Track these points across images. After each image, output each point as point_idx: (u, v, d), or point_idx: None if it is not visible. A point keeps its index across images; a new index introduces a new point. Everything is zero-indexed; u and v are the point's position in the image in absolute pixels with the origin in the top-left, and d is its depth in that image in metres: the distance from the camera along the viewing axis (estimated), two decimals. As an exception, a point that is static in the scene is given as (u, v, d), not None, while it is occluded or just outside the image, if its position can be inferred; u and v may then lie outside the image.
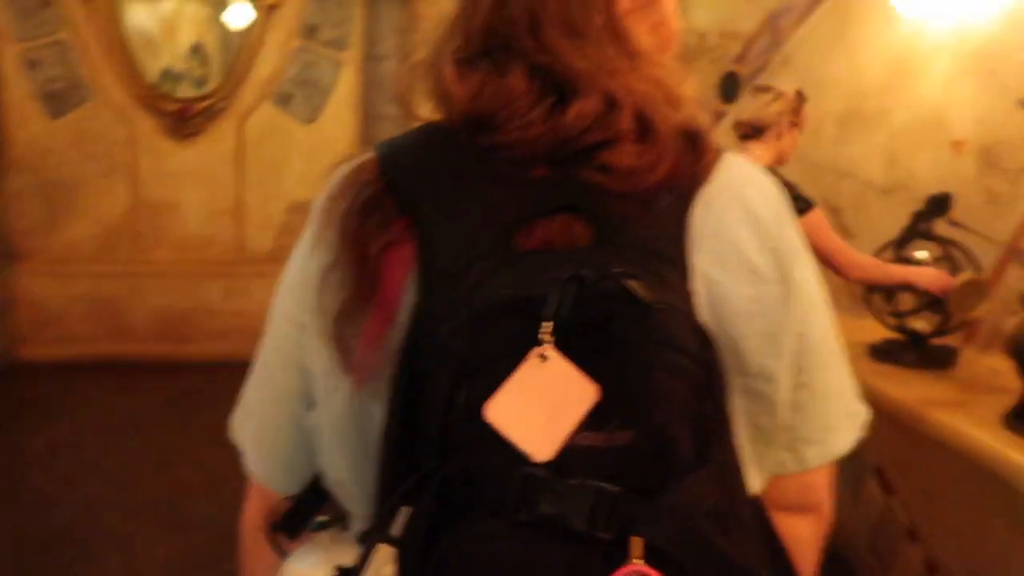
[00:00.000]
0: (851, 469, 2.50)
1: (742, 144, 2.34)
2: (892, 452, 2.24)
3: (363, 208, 0.65)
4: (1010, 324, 2.13)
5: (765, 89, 2.34)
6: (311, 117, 4.78)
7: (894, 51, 3.25)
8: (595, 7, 0.66)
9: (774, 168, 2.30)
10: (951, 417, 2.02)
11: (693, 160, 0.65)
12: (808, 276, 0.68)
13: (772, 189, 0.69)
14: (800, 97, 2.33)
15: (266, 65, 4.72)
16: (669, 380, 0.57)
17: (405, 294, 0.62)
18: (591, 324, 0.56)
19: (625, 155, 0.62)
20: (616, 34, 0.67)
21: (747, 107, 2.33)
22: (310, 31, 4.72)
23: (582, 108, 0.62)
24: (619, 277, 0.56)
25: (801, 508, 0.74)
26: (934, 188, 2.73)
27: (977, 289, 2.34)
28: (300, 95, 4.76)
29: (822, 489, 0.74)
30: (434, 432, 0.57)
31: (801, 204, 2.20)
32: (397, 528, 0.57)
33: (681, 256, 0.62)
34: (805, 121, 2.36)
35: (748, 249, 0.65)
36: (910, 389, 2.25)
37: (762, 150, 2.30)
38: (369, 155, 0.69)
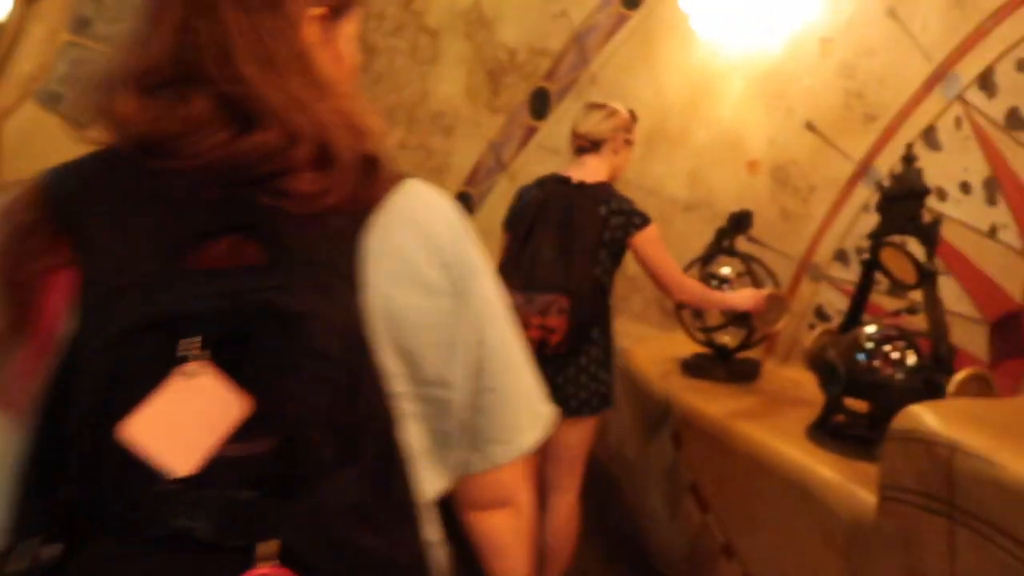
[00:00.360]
0: (667, 486, 2.50)
1: (579, 157, 2.30)
2: (707, 468, 2.26)
3: (19, 235, 0.64)
4: (808, 337, 2.21)
5: (600, 106, 2.32)
6: (87, 120, 4.27)
7: (693, 72, 3.37)
8: (283, 38, 0.69)
9: (612, 183, 2.28)
10: (760, 431, 2.05)
11: (370, 186, 0.70)
12: (485, 289, 0.75)
13: (449, 212, 0.75)
14: (633, 116, 2.34)
15: (28, 60, 4.18)
16: (311, 387, 0.61)
17: (64, 321, 0.61)
18: (238, 337, 0.59)
19: (302, 182, 0.65)
20: (304, 65, 0.69)
21: (582, 122, 2.30)
22: (82, 25, 4.23)
23: (263, 140, 0.64)
24: (264, 291, 0.59)
25: (494, 504, 0.80)
26: (734, 206, 2.83)
27: (778, 304, 2.42)
28: (73, 95, 4.26)
29: (513, 484, 0.81)
30: (75, 458, 0.57)
31: (638, 219, 2.19)
32: (21, 562, 0.56)
33: (353, 272, 0.66)
34: (635, 140, 2.37)
35: (422, 265, 0.70)
36: (721, 404, 2.28)
37: (598, 164, 2.27)
38: (32, 182, 0.68)
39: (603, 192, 2.22)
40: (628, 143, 2.33)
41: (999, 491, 1.18)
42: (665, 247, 2.24)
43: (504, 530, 0.81)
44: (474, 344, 0.73)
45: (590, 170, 2.27)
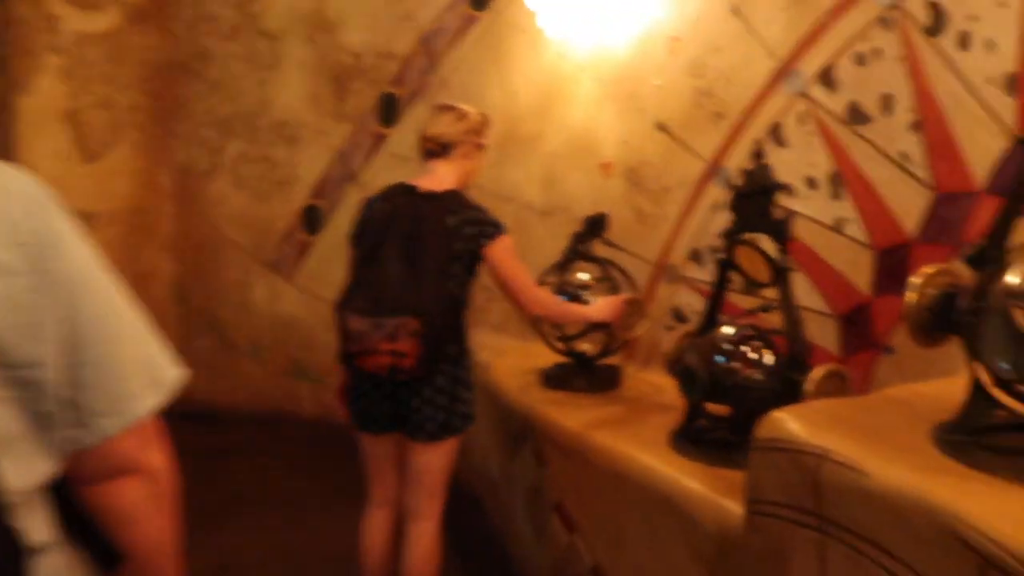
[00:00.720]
0: (532, 506, 2.37)
1: (427, 163, 2.13)
2: (571, 486, 2.14)
3: None
4: (666, 341, 2.14)
5: (449, 108, 2.17)
6: None
7: (544, 74, 3.28)
8: None
9: (464, 190, 2.12)
10: (622, 443, 1.95)
11: None
12: (73, 262, 0.73)
13: (23, 188, 0.72)
14: (485, 119, 2.19)
15: None
16: None
17: None
18: None
19: None
20: None
21: (431, 124, 2.13)
22: None
23: None
24: None
25: (117, 473, 0.78)
26: (589, 209, 2.75)
27: (637, 308, 2.35)
28: None
29: (135, 451, 0.79)
30: None
31: (490, 229, 2.04)
32: None
33: None
34: (488, 144, 2.23)
35: None
36: (582, 416, 2.18)
37: (447, 170, 2.11)
38: None
39: (453, 201, 2.06)
40: (480, 147, 2.19)
41: (868, 501, 1.11)
42: (519, 259, 2.11)
43: (132, 497, 0.80)
44: (64, 319, 0.71)
45: (439, 177, 2.11)
